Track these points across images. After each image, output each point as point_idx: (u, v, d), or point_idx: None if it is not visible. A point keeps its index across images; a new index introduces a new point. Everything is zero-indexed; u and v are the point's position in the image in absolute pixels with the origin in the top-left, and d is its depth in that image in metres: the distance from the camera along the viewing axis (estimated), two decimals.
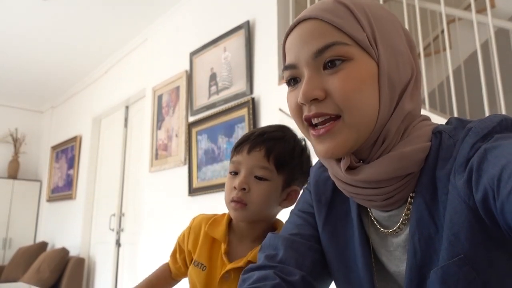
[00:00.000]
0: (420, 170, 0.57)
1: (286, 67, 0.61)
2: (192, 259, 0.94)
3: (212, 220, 0.95)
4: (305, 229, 0.73)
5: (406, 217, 0.59)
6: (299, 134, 0.76)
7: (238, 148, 0.89)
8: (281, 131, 0.91)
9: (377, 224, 0.64)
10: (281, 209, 0.93)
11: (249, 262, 0.85)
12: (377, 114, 0.56)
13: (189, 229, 0.98)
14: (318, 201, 0.72)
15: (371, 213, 0.65)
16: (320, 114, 0.56)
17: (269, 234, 0.75)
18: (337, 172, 0.60)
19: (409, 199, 0.59)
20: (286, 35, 0.62)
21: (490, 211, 0.47)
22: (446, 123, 0.61)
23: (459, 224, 0.51)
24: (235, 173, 0.89)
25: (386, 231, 0.62)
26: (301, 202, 0.79)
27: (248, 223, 0.90)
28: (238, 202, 0.85)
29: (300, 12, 0.62)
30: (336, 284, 0.71)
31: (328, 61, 0.56)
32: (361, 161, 0.59)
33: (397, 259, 0.62)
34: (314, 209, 0.73)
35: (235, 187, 0.86)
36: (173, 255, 1.02)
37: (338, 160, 0.60)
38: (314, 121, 0.58)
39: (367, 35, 0.57)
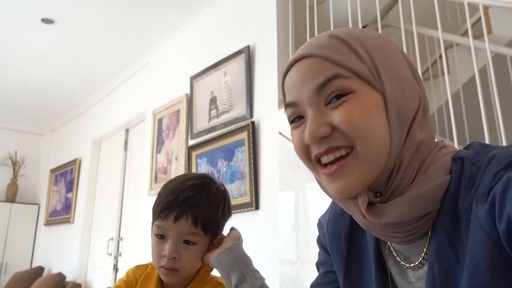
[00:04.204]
0: (441, 200, 0.55)
1: (287, 105, 0.60)
2: None
3: (144, 276, 0.95)
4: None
5: (428, 250, 0.57)
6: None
7: (162, 214, 0.86)
8: (205, 190, 0.90)
9: (397, 256, 0.62)
10: None
11: None
12: (390, 146, 0.54)
13: (124, 282, 0.95)
14: (338, 237, 0.70)
15: (391, 245, 0.63)
16: (332, 148, 0.54)
17: None
18: (355, 215, 0.58)
19: (431, 230, 0.57)
20: (284, 74, 0.61)
21: None
22: (466, 148, 0.59)
23: (480, 255, 0.49)
24: (161, 237, 0.88)
25: (407, 265, 0.60)
26: (319, 253, 0.81)
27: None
28: (169, 269, 0.86)
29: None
30: None
31: (330, 97, 0.55)
32: (378, 194, 0.57)
33: None
34: (329, 248, 0.73)
35: (164, 255, 0.86)
36: None
37: (355, 200, 0.58)
38: (324, 159, 0.56)
39: (368, 67, 0.56)
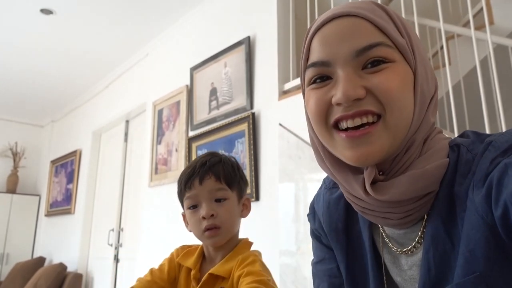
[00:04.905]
0: (440, 183, 0.55)
1: (314, 64, 0.56)
2: None
3: (186, 251, 1.02)
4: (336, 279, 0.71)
5: (423, 235, 0.57)
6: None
7: (188, 184, 0.95)
8: (215, 156, 1.00)
9: (389, 242, 0.62)
10: (240, 221, 1.02)
11: (210, 274, 0.91)
12: (411, 122, 0.54)
13: (168, 260, 1.03)
14: (336, 229, 0.68)
15: (383, 231, 0.62)
16: (360, 112, 0.52)
17: None
18: (355, 191, 0.57)
19: (426, 216, 0.56)
20: (315, 30, 0.57)
21: (510, 228, 0.45)
22: (461, 136, 0.59)
23: (476, 240, 0.49)
24: (194, 207, 0.95)
25: (400, 250, 0.60)
26: (314, 249, 0.77)
27: (218, 247, 0.97)
28: (212, 229, 0.92)
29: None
30: None
31: (368, 62, 0.53)
32: (381, 173, 0.56)
33: (413, 279, 0.59)
34: (329, 239, 0.70)
35: (203, 217, 0.92)
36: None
37: (356, 176, 0.57)
38: (346, 124, 0.53)
39: (406, 42, 0.55)
